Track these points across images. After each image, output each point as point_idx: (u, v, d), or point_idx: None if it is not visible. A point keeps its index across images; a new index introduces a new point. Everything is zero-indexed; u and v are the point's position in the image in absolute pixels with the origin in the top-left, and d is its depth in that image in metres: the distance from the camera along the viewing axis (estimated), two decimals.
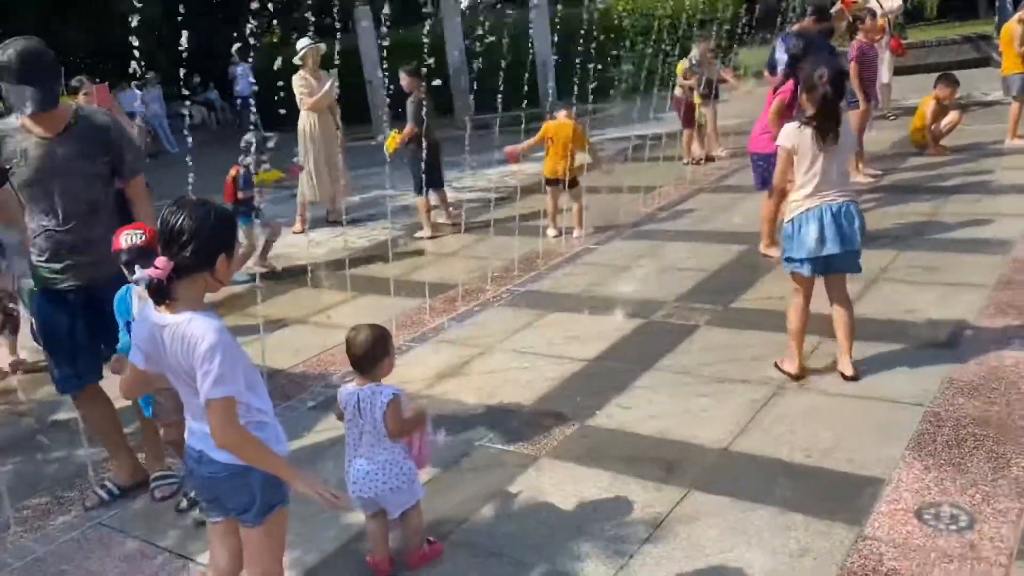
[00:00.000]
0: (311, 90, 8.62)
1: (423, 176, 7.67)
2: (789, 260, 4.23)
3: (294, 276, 7.28)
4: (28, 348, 5.89)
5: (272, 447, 2.32)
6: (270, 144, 6.31)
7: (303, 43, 8.70)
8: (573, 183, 7.60)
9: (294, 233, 8.74)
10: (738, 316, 5.27)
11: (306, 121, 8.72)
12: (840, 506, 3.18)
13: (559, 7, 14.08)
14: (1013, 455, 3.34)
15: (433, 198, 8.33)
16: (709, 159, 10.42)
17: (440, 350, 5.30)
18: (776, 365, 4.42)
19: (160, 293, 2.21)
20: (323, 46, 8.73)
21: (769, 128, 5.97)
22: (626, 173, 9.94)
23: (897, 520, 3.04)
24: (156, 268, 2.17)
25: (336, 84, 8.64)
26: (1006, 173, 7.82)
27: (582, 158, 7.77)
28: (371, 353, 2.97)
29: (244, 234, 7.41)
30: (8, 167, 3.56)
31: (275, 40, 28.31)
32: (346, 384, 3.10)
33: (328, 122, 8.81)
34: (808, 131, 4.07)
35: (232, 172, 7.19)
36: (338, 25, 7.36)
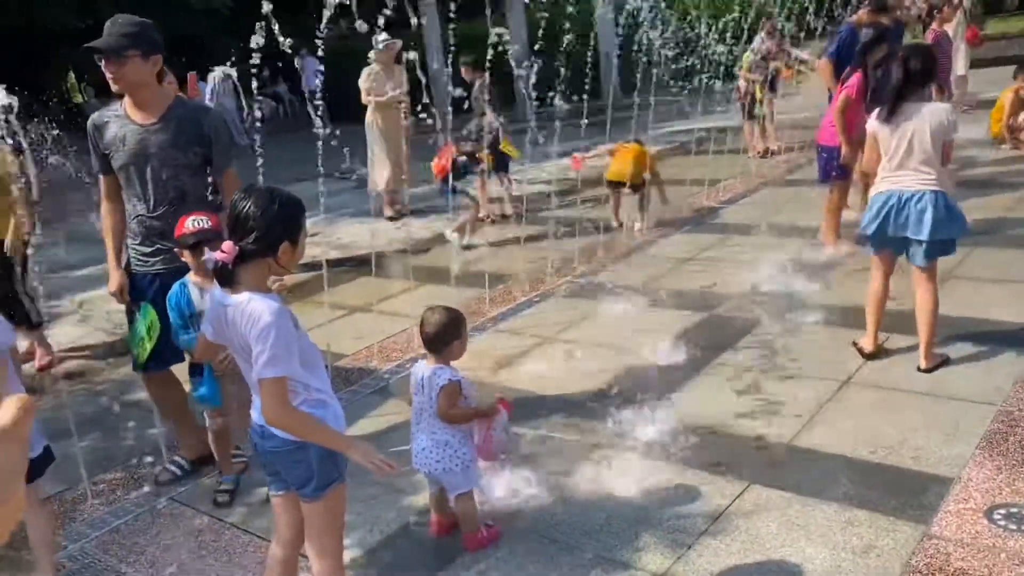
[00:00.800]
0: (377, 85, 8.68)
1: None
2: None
3: (356, 266, 7.40)
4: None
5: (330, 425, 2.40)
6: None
7: (382, 37, 8.74)
8: (637, 188, 7.56)
9: (388, 219, 8.86)
10: (803, 311, 5.17)
11: (372, 115, 8.82)
12: (906, 503, 3.11)
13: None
14: None
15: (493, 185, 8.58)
16: (771, 152, 10.24)
17: (499, 340, 5.33)
18: (854, 343, 4.41)
19: (225, 276, 2.31)
20: (400, 43, 8.83)
21: (833, 122, 5.86)
22: (690, 166, 9.83)
23: (965, 520, 2.97)
24: (222, 252, 2.27)
25: (404, 88, 8.81)
26: None
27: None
28: (441, 334, 3.05)
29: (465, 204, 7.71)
30: (107, 152, 3.72)
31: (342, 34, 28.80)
32: (421, 360, 3.19)
33: (394, 116, 8.89)
34: (880, 114, 4.15)
35: (453, 151, 7.49)
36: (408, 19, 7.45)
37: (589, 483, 3.54)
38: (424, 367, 3.11)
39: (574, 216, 7.96)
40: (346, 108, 7.78)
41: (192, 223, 3.39)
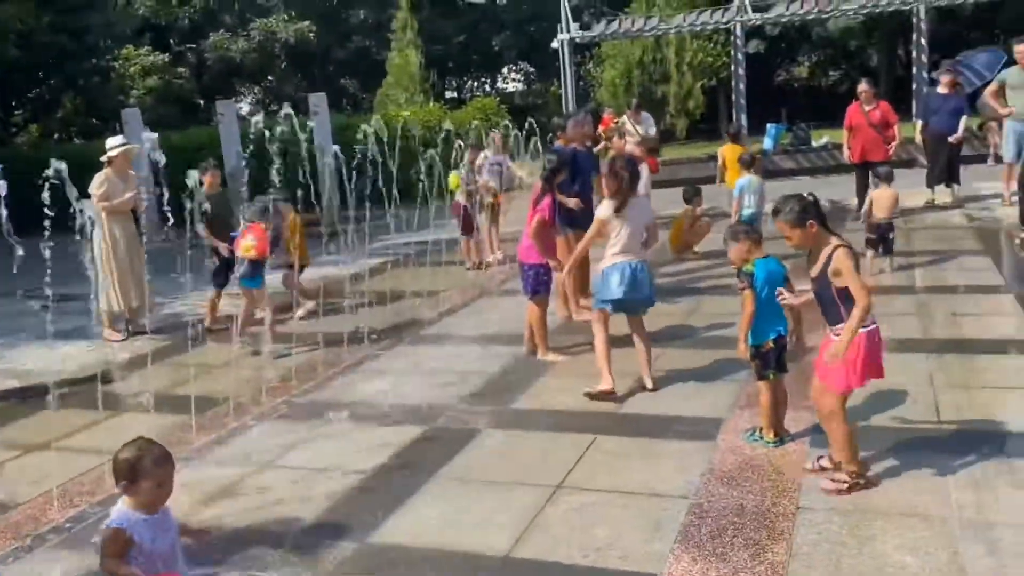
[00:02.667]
0: (109, 191, 7.90)
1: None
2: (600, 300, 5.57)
3: (39, 396, 6.53)
4: None
5: None
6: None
7: (115, 142, 8.13)
8: (302, 267, 7.94)
9: (113, 342, 7.96)
10: (519, 418, 5.34)
11: (108, 225, 7.95)
12: None
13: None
14: (767, 541, 3.56)
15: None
16: (487, 265, 10.69)
17: (208, 471, 4.91)
18: (588, 394, 5.34)
19: None
20: (136, 147, 8.28)
21: (532, 242, 6.25)
22: (410, 278, 10.01)
23: None
24: None
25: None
26: None
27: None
28: (114, 471, 2.82)
29: (257, 296, 7.40)
30: None
31: (37, 137, 26.40)
32: None
33: (130, 226, 8.15)
34: (613, 207, 5.49)
35: (260, 227, 7.17)
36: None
37: None
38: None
39: (289, 331, 7.71)
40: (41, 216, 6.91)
41: None
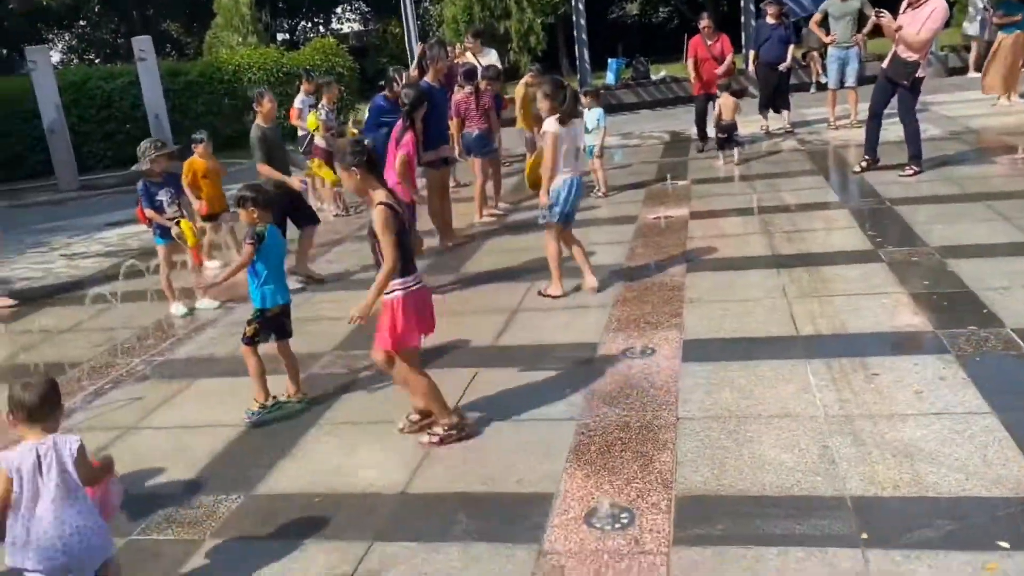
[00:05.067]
0: None
1: None
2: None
3: None
4: None
5: None
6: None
7: None
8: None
9: None
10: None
11: None
12: (518, 528, 3.28)
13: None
14: (654, 451, 3.72)
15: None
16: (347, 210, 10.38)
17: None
18: (540, 293, 5.95)
19: None
20: None
21: (398, 180, 6.08)
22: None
23: (570, 530, 3.21)
24: None
25: None
26: (600, 210, 8.88)
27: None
28: (49, 398, 2.79)
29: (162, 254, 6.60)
30: None
31: None
32: (11, 448, 2.77)
33: None
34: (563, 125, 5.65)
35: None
36: None
37: None
38: (34, 444, 2.73)
39: (144, 290, 7.25)
40: None
41: None
